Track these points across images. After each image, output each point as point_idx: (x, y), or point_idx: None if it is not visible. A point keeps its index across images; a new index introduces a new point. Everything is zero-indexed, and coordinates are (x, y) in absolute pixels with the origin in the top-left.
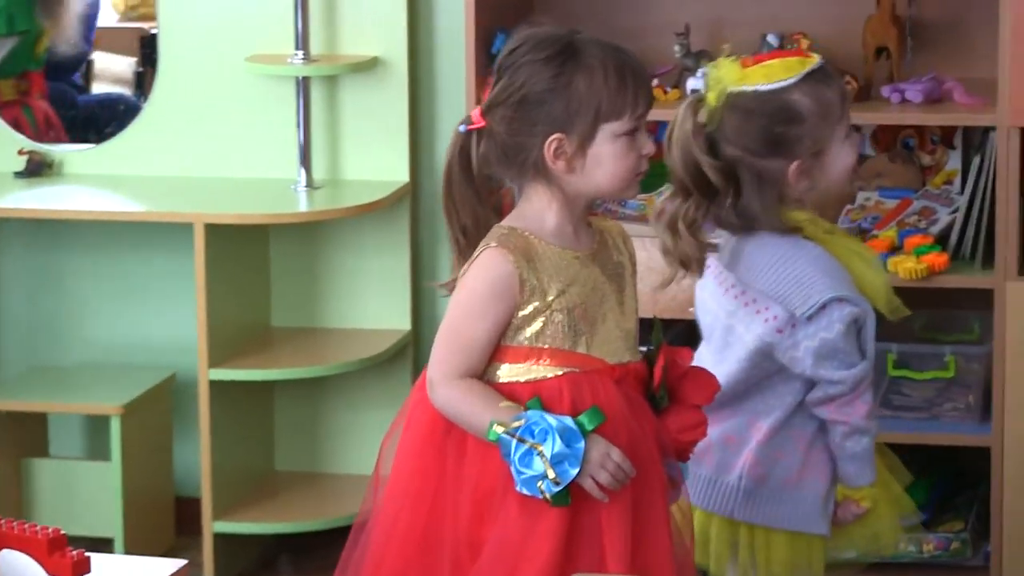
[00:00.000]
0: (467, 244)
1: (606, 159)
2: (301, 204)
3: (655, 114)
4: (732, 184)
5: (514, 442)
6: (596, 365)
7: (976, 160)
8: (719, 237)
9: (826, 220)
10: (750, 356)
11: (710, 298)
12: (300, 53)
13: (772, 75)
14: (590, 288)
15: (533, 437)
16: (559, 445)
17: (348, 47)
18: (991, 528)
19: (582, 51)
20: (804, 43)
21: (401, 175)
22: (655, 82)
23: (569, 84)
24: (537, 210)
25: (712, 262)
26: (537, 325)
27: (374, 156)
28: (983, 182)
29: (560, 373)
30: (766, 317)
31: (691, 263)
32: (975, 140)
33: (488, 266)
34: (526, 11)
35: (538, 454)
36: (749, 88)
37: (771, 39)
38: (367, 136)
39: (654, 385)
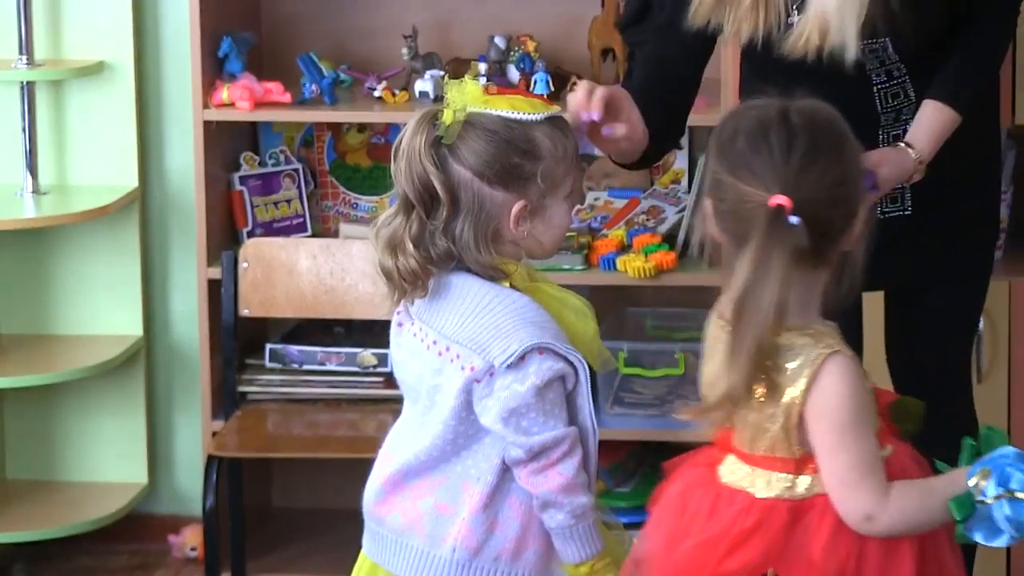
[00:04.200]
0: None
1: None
2: (28, 210)
3: (386, 117)
4: (454, 206)
5: (1004, 501)
6: None
7: (702, 159)
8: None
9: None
10: (455, 413)
11: (411, 357)
12: (24, 58)
13: (517, 106)
14: None
15: (1010, 484)
16: None
17: (73, 51)
18: None
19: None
20: (531, 44)
21: (130, 180)
22: (383, 84)
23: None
24: None
25: (406, 318)
26: None
27: (102, 161)
28: None
29: None
30: (463, 366)
31: (415, 280)
32: (701, 139)
33: (848, 375)
34: (253, 15)
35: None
36: (493, 112)
37: (498, 41)
38: (94, 141)
39: None
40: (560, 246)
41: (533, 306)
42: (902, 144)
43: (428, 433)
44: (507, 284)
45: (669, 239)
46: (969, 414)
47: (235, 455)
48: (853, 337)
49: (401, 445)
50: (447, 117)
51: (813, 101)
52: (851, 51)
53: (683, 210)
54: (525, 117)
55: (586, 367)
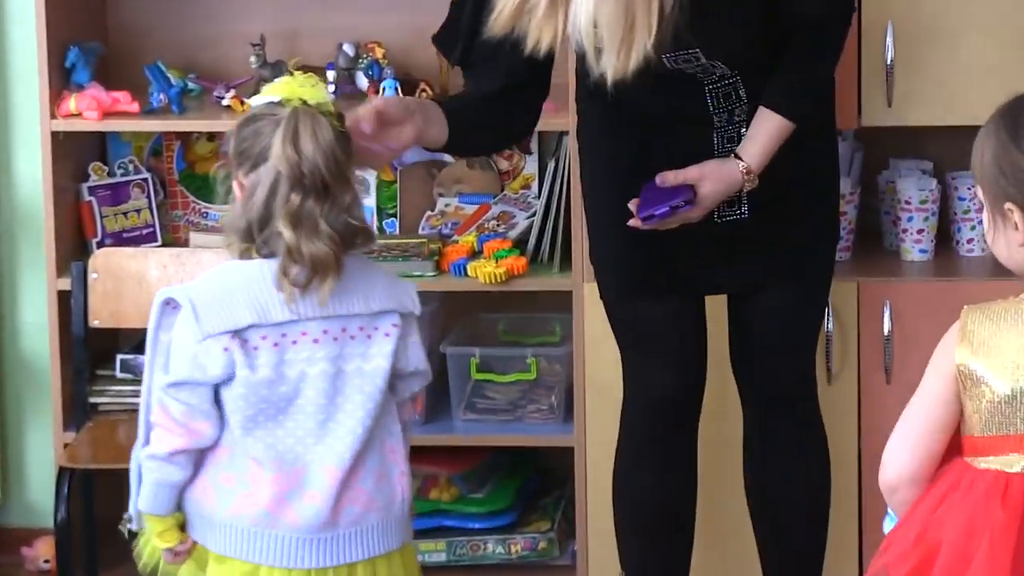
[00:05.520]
0: None
1: None
2: None
3: (234, 125)
4: (351, 185)
5: None
6: None
7: (551, 164)
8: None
9: None
10: (385, 383)
11: (278, 364)
12: None
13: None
14: None
15: None
16: None
17: None
18: (576, 526)
19: None
20: (379, 52)
21: None
22: (232, 93)
23: None
24: None
25: (288, 328)
26: None
27: None
28: (559, 186)
29: None
30: (387, 331)
31: (335, 263)
32: (551, 145)
33: None
34: (99, 24)
35: None
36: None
37: (347, 48)
38: None
39: None
40: None
41: None
42: (732, 156)
43: (351, 421)
44: None
45: (520, 244)
46: (814, 415)
47: (87, 466)
48: (696, 340)
49: (319, 454)
50: (329, 106)
51: None
52: (618, 74)
53: (533, 215)
54: None
55: None
